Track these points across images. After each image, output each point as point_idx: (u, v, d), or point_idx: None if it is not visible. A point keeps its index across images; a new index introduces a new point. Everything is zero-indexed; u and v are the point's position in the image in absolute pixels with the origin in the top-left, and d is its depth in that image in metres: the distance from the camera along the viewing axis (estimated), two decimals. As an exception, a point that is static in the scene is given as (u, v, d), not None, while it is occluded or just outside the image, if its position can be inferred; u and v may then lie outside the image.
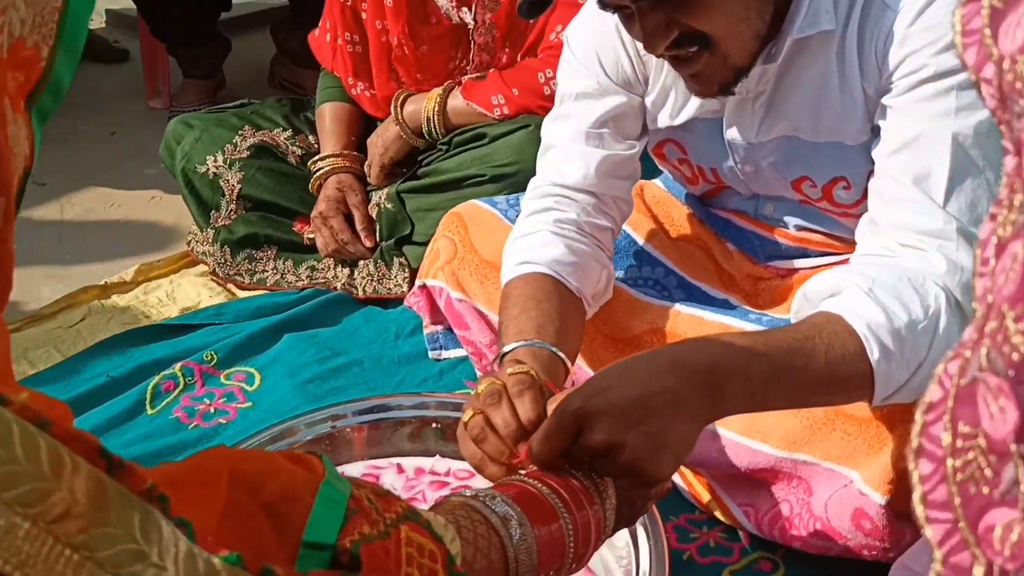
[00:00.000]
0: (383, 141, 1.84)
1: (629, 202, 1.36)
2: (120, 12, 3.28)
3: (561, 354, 1.11)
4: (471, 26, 1.76)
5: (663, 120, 1.32)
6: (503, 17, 1.74)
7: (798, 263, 1.41)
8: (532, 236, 1.27)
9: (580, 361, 1.38)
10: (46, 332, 1.75)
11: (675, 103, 1.30)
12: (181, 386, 1.59)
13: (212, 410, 1.54)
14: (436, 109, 1.77)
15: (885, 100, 1.12)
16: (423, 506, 1.27)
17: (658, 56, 1.15)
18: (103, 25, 3.38)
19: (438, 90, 1.79)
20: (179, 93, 2.71)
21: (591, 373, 1.39)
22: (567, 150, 1.32)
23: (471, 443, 0.95)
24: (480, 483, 1.00)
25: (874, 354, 0.96)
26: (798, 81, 1.19)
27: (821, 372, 0.95)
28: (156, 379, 1.59)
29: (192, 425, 1.51)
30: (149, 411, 1.54)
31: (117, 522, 0.47)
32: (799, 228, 1.39)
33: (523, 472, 0.92)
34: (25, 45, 0.60)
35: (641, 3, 1.07)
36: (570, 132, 1.32)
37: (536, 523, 0.84)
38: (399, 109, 1.81)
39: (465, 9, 1.75)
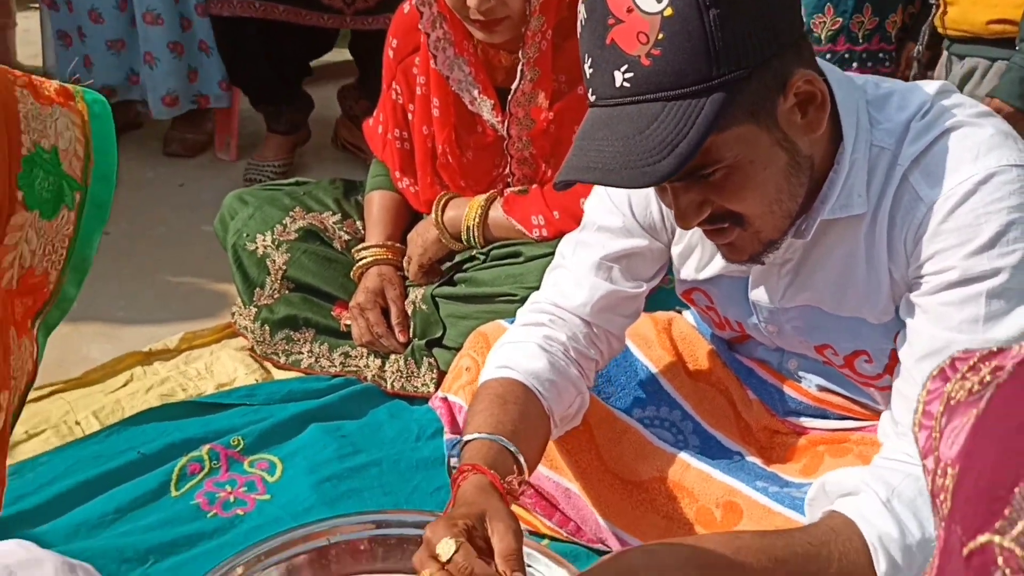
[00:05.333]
0: (423, 241, 1.87)
1: (621, 339, 1.36)
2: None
3: (511, 447, 1.11)
4: (506, 140, 1.79)
5: (688, 273, 1.33)
6: (539, 135, 1.76)
7: (816, 423, 1.40)
8: (519, 345, 1.28)
9: (585, 498, 1.40)
10: (88, 396, 1.82)
11: (700, 258, 1.31)
12: (206, 470, 1.63)
13: (232, 499, 1.58)
14: (477, 221, 1.80)
15: (913, 297, 1.11)
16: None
17: (688, 229, 1.16)
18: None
19: (481, 199, 1.82)
20: (261, 147, 2.78)
21: (595, 512, 1.40)
22: (576, 275, 1.33)
23: None
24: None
25: (880, 566, 0.96)
26: (825, 257, 1.19)
27: None
28: (183, 460, 1.64)
29: (211, 514, 1.55)
30: (173, 493, 1.59)
31: None
32: (821, 388, 1.38)
33: None
34: (35, 273, 0.64)
35: (675, 183, 1.08)
36: (584, 259, 1.33)
37: None
38: (440, 213, 1.84)
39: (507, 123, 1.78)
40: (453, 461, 1.16)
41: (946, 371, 0.45)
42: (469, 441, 1.12)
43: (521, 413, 1.17)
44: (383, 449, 1.68)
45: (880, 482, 1.01)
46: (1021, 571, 0.32)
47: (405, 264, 1.93)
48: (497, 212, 1.80)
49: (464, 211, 1.83)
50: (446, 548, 0.92)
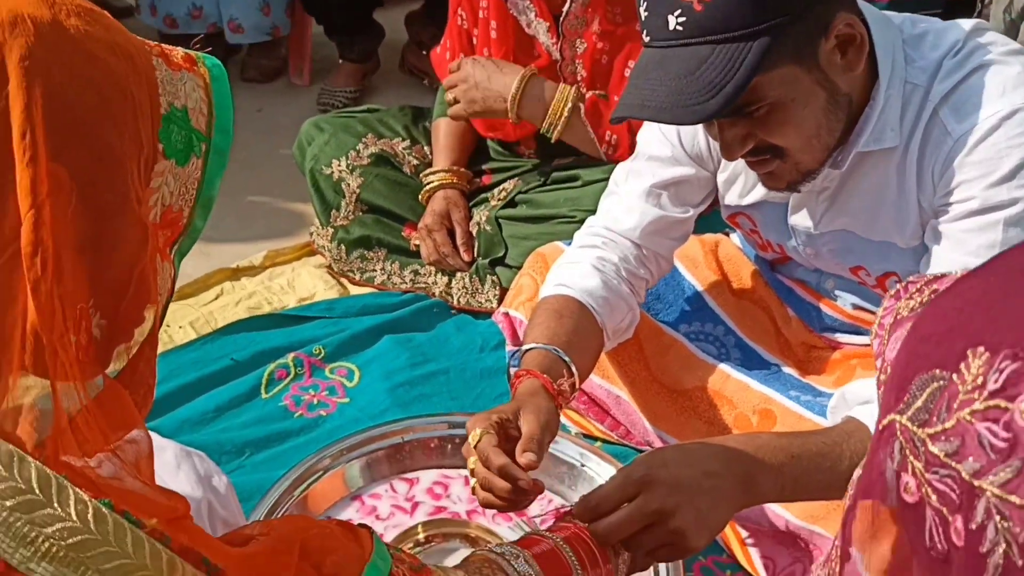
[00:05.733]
0: (484, 95, 1.85)
1: (669, 260, 1.47)
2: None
3: (565, 356, 1.24)
4: (559, 62, 1.86)
5: (732, 198, 1.43)
6: (590, 60, 1.82)
7: (850, 339, 1.50)
8: (575, 265, 1.40)
9: (633, 405, 1.53)
10: (184, 308, 2.01)
11: (744, 185, 1.41)
12: (292, 375, 1.81)
13: (315, 401, 1.76)
14: (562, 122, 1.80)
15: (937, 224, 1.20)
16: (482, 520, 1.46)
17: (732, 161, 1.26)
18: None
19: (568, 95, 1.80)
20: (334, 75, 2.90)
21: (643, 418, 1.54)
22: (627, 201, 1.44)
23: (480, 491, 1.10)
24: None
25: None
26: (859, 186, 1.29)
27: (844, 475, 1.07)
28: (272, 366, 1.82)
29: (297, 414, 1.73)
30: (263, 395, 1.78)
31: (211, 608, 0.66)
32: (855, 307, 1.48)
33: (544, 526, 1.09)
34: (172, 210, 0.79)
35: (721, 119, 1.18)
36: (635, 186, 1.44)
37: (552, 580, 1.00)
38: (519, 95, 1.81)
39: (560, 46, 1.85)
40: (513, 369, 1.30)
41: (900, 292, 0.56)
42: (527, 351, 1.26)
43: (575, 326, 1.30)
44: (450, 359, 1.83)
45: None
46: (910, 440, 0.45)
47: (449, 99, 1.92)
48: (580, 116, 1.82)
49: (548, 102, 1.82)
50: (473, 437, 1.10)
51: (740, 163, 1.37)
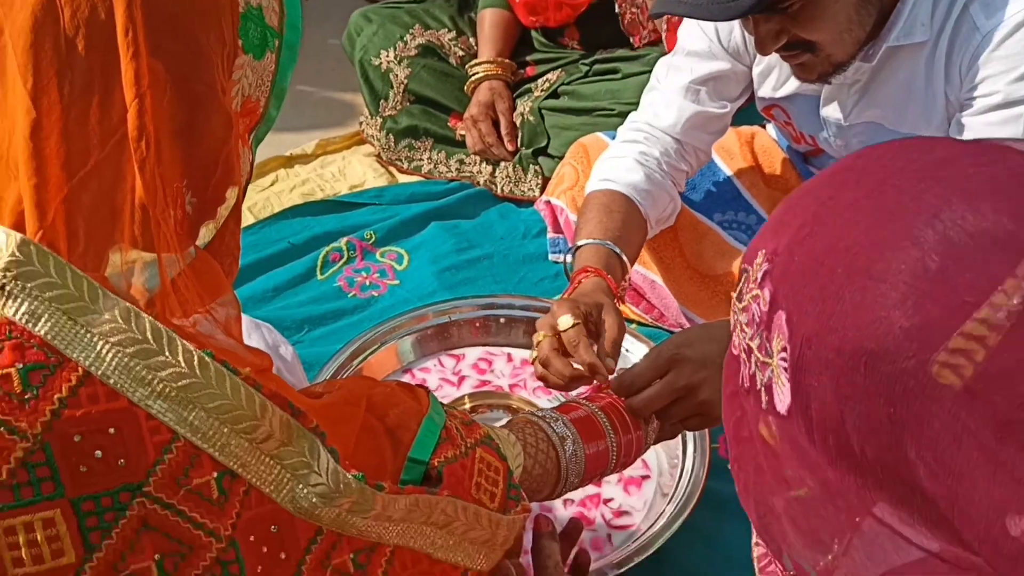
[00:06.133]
0: None
1: (708, 153, 1.55)
2: None
3: (617, 249, 1.35)
4: None
5: (766, 91, 1.48)
6: None
7: (877, 228, 1.57)
8: (619, 160, 1.49)
9: (667, 289, 1.63)
10: (242, 194, 2.11)
11: (778, 77, 1.46)
12: (345, 258, 1.92)
13: (368, 283, 1.87)
14: None
15: (962, 117, 1.25)
16: (523, 393, 1.57)
17: (766, 55, 1.31)
18: None
19: None
20: None
21: (676, 301, 1.63)
22: (667, 97, 1.51)
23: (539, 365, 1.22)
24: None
25: None
26: (889, 78, 1.33)
27: None
28: (326, 250, 1.92)
29: (351, 294, 1.85)
30: (319, 277, 1.89)
31: (296, 445, 0.78)
32: (883, 197, 1.54)
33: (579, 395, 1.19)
34: (251, 100, 0.88)
35: (756, 14, 1.22)
36: (675, 82, 1.50)
37: (587, 441, 1.12)
38: None
39: None
40: (569, 259, 1.39)
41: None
42: (584, 245, 1.35)
43: (623, 220, 1.40)
44: (494, 245, 1.93)
45: None
46: (735, 312, 0.59)
47: None
48: None
49: None
50: (565, 322, 1.18)
51: (774, 56, 1.42)
